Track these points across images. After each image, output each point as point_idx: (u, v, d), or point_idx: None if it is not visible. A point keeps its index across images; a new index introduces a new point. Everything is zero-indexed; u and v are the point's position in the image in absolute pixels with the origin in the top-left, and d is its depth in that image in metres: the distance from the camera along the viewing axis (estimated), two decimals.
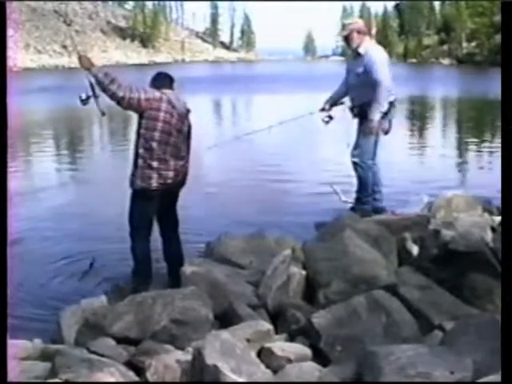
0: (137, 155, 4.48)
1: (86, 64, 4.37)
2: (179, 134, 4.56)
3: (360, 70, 6.33)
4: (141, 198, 4.55)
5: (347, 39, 6.42)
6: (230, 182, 8.87)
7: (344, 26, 6.54)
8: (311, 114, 6.97)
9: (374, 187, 6.64)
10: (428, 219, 5.15)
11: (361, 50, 6.34)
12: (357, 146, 6.48)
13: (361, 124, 6.46)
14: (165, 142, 4.47)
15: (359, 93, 6.37)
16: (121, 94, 4.27)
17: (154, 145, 4.43)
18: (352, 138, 6.59)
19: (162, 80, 4.61)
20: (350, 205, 6.72)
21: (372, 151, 6.45)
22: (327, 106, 6.76)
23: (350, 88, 6.56)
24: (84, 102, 4.55)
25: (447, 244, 4.06)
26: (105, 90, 4.29)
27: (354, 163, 6.48)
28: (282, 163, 10.19)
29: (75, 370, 2.99)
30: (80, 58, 4.40)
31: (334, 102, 6.74)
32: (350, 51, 6.76)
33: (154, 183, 4.49)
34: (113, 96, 4.29)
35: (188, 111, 4.65)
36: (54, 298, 4.74)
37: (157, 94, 4.42)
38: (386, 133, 6.57)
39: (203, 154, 7.69)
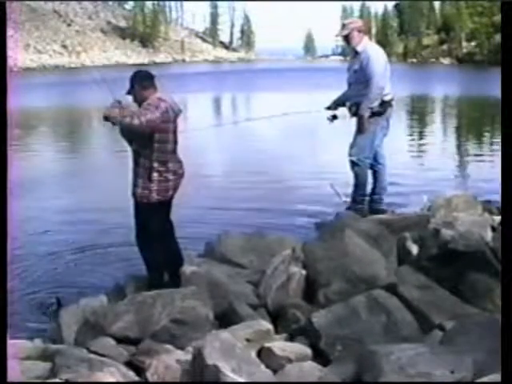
0: (150, 169, 4.38)
1: (113, 119, 4.21)
2: (176, 137, 4.56)
3: (356, 66, 6.36)
4: (158, 209, 4.52)
5: (347, 38, 6.44)
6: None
7: (344, 26, 6.56)
8: (317, 111, 6.98)
9: (376, 188, 6.63)
10: (428, 219, 5.15)
11: (359, 48, 6.37)
12: (353, 144, 6.49)
13: (357, 122, 6.48)
14: (174, 150, 4.49)
15: (355, 90, 6.39)
16: (136, 121, 4.14)
17: (169, 157, 4.43)
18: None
19: (149, 80, 4.46)
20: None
21: (369, 149, 6.45)
22: (333, 105, 6.78)
23: (349, 86, 6.57)
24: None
25: (447, 243, 4.05)
26: (121, 123, 4.22)
27: (351, 161, 6.49)
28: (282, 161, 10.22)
29: (75, 370, 2.99)
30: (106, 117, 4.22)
31: (341, 102, 6.74)
32: (349, 50, 6.77)
33: (170, 193, 4.52)
34: (130, 126, 4.20)
35: (180, 112, 4.58)
36: None
37: (162, 105, 4.32)
38: (385, 135, 6.57)
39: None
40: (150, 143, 4.34)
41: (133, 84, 4.46)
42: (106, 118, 4.22)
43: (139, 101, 4.43)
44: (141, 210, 4.55)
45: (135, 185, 4.49)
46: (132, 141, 4.49)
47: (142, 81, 4.44)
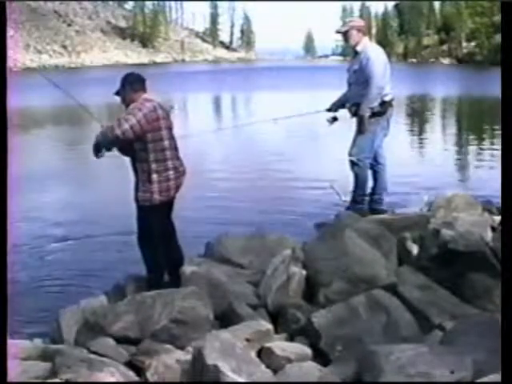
0: (149, 171, 4.36)
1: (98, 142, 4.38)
2: (172, 134, 4.55)
3: (356, 67, 6.37)
4: (160, 210, 4.50)
5: (346, 36, 6.45)
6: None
7: (344, 23, 6.58)
8: (317, 112, 6.98)
9: (376, 189, 6.63)
10: (428, 219, 5.15)
11: (358, 49, 6.38)
12: (354, 144, 6.49)
13: (357, 123, 6.48)
14: (172, 147, 4.46)
15: (355, 90, 6.39)
16: (118, 131, 4.17)
17: (168, 154, 4.41)
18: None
19: (140, 82, 4.46)
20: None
21: (369, 149, 6.45)
22: (334, 107, 6.78)
23: (348, 87, 6.58)
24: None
25: (447, 243, 4.05)
26: (108, 142, 4.31)
27: (351, 161, 6.49)
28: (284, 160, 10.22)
29: (75, 370, 2.99)
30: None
31: (342, 104, 6.73)
32: (349, 49, 6.79)
33: (172, 193, 4.49)
34: (116, 140, 4.25)
35: (172, 108, 4.59)
36: None
37: (148, 105, 4.30)
38: (385, 135, 6.57)
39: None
40: (145, 145, 4.33)
41: (123, 85, 4.46)
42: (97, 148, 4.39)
43: (127, 103, 4.43)
44: (143, 213, 4.53)
45: (136, 189, 4.48)
46: (128, 151, 4.46)
47: (132, 83, 4.44)
